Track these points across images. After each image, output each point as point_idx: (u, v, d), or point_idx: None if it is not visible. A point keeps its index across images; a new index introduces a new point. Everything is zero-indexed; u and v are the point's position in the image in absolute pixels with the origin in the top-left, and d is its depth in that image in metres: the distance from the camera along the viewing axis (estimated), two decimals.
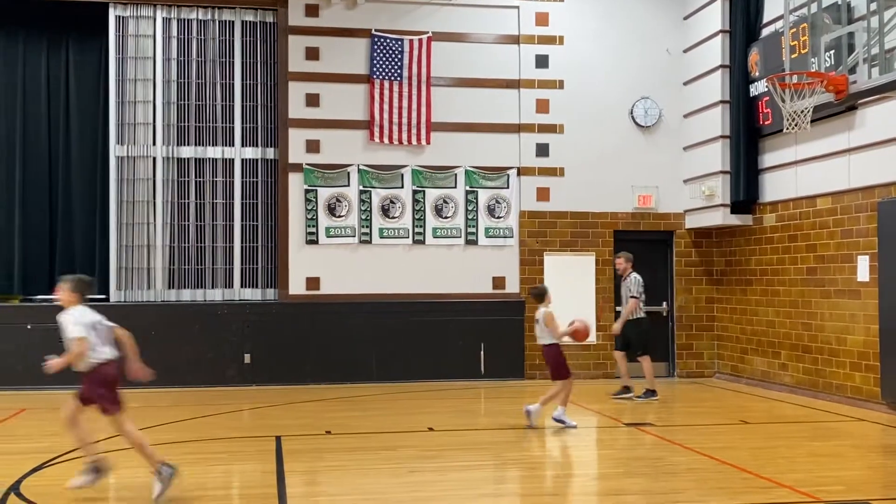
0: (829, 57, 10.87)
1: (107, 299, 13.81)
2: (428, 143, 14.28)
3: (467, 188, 14.41)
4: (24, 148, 14.26)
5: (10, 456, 8.32)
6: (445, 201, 14.36)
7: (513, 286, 14.42)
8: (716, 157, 13.89)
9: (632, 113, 14.75)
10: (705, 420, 10.66)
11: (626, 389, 12.22)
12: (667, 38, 14.84)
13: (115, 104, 13.95)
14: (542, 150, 14.52)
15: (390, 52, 14.16)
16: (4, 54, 14.22)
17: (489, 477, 7.90)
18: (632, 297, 12.12)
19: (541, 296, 10.17)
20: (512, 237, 14.49)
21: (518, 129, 14.52)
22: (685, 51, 14.77)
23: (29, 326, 13.16)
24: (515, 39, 14.56)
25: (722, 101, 13.82)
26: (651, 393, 12.13)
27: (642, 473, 7.62)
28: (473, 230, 14.42)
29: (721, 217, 13.85)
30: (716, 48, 13.94)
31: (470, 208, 14.41)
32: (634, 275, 12.30)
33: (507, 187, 14.50)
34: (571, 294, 14.08)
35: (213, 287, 14.18)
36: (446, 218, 14.36)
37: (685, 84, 14.77)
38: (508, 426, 10.08)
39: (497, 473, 8.08)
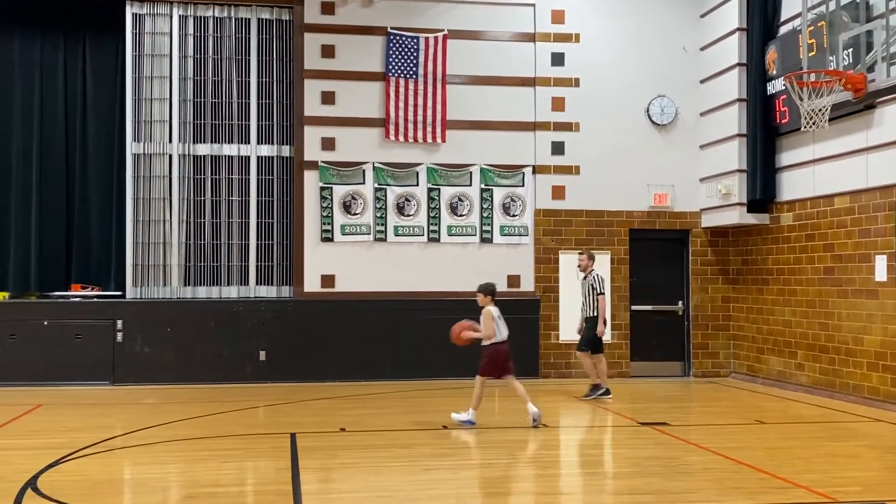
0: (847, 55, 10.80)
1: (123, 296, 13.89)
2: (443, 140, 14.27)
3: (482, 186, 14.40)
4: (41, 146, 14.33)
5: (27, 451, 8.36)
6: (460, 199, 14.35)
7: (528, 284, 14.40)
8: (732, 155, 13.82)
9: (648, 111, 14.70)
10: (721, 420, 10.61)
11: (598, 388, 12.04)
12: (683, 35, 14.78)
13: (131, 101, 14.02)
14: (558, 148, 14.49)
15: (406, 49, 14.16)
16: (21, 53, 14.29)
17: (503, 476, 7.88)
18: (600, 294, 11.98)
19: (493, 292, 10.07)
20: (527, 235, 14.47)
21: (533, 127, 14.49)
22: (702, 49, 14.70)
23: (45, 322, 13.25)
24: (531, 37, 14.53)
25: (739, 100, 13.75)
26: (597, 388, 11.98)
27: (657, 473, 7.59)
28: (488, 228, 14.41)
29: (738, 216, 13.78)
30: (733, 46, 13.87)
31: (485, 206, 14.40)
32: (596, 272, 12.20)
33: (523, 185, 14.48)
34: None
35: (228, 284, 14.23)
36: (461, 216, 14.36)
37: (702, 82, 14.70)
38: (522, 425, 10.06)
39: (511, 472, 8.07)
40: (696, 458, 8.23)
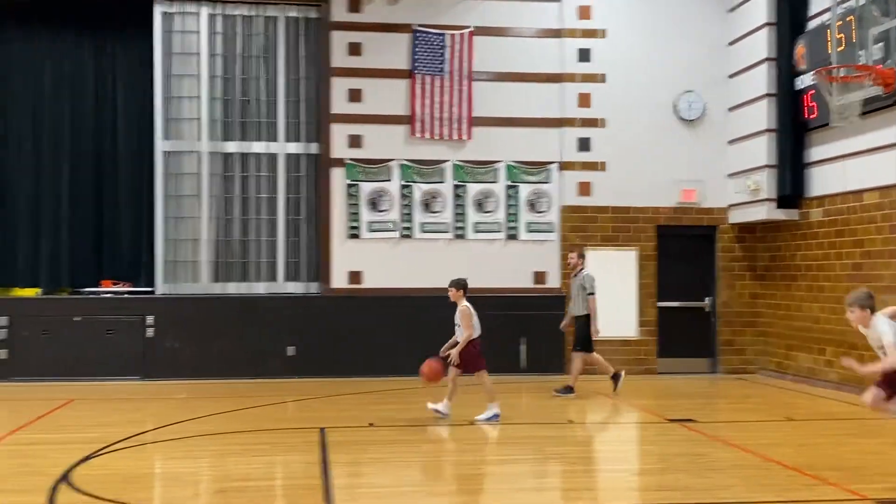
0: (878, 50, 10.69)
1: (153, 292, 14.04)
2: (469, 137, 14.30)
3: (509, 183, 14.41)
4: (72, 144, 14.49)
5: (61, 445, 8.49)
6: (487, 196, 14.37)
7: (554, 281, 14.40)
8: (761, 151, 13.73)
9: (675, 107, 14.64)
10: (749, 416, 10.57)
11: (569, 389, 11.94)
12: (711, 30, 14.69)
13: (160, 100, 14.15)
14: (584, 144, 14.47)
15: (432, 46, 14.19)
16: (52, 52, 14.45)
17: (530, 471, 7.91)
18: (590, 294, 11.90)
19: (465, 287, 10.10)
20: (553, 232, 14.47)
21: (560, 123, 14.48)
22: (730, 44, 14.61)
23: (77, 318, 13.42)
24: (557, 33, 14.52)
25: (767, 95, 13.66)
26: (569, 390, 11.87)
27: (685, 469, 7.58)
28: (514, 225, 14.42)
29: (766, 212, 13.69)
30: (761, 41, 13.77)
31: (511, 203, 14.41)
32: (587, 272, 12.13)
33: (549, 182, 14.47)
34: (613, 290, 14.03)
35: (257, 280, 14.35)
36: (487, 212, 14.38)
37: (730, 77, 14.61)
38: (549, 421, 10.08)
39: (538, 468, 8.09)
40: (725, 455, 8.21)
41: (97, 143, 14.62)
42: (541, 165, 14.47)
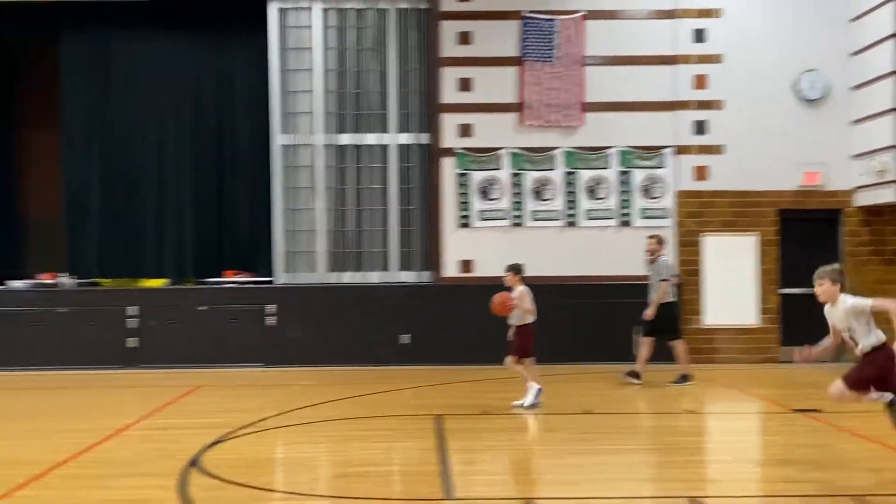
0: None
1: (271, 282, 14.46)
2: (581, 123, 14.15)
3: (621, 168, 14.20)
4: (194, 140, 15.05)
5: (189, 430, 8.82)
6: (599, 182, 14.20)
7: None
8: (887, 131, 13.11)
9: (796, 86, 14.11)
10: (878, 406, 10.12)
11: (636, 375, 11.67)
12: (831, 6, 14.09)
13: (278, 95, 14.51)
14: (701, 127, 14.11)
15: (542, 33, 14.09)
16: (174, 53, 15.01)
17: (647, 461, 7.80)
18: (662, 280, 11.61)
19: (522, 272, 10.22)
20: (668, 218, 14.19)
21: (674, 106, 14.17)
22: (852, 20, 13.98)
23: (202, 308, 13.94)
24: (671, 14, 14.19)
25: (893, 72, 13.02)
26: (685, 378, 11.58)
27: (811, 461, 7.34)
28: (627, 211, 14.21)
29: (893, 194, 13.08)
30: (887, 16, 13.12)
31: (624, 189, 14.20)
32: (665, 258, 11.86)
33: (663, 167, 14.19)
34: (731, 276, 13.70)
35: (371, 270, 14.58)
36: (599, 199, 14.21)
37: (853, 55, 13.99)
38: (666, 410, 9.91)
39: (656, 458, 7.97)
40: (852, 447, 7.92)
41: (217, 139, 15.13)
42: (654, 150, 14.20)
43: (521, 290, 10.07)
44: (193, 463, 7.30)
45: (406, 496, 6.62)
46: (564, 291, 13.77)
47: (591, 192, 14.21)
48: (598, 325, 13.85)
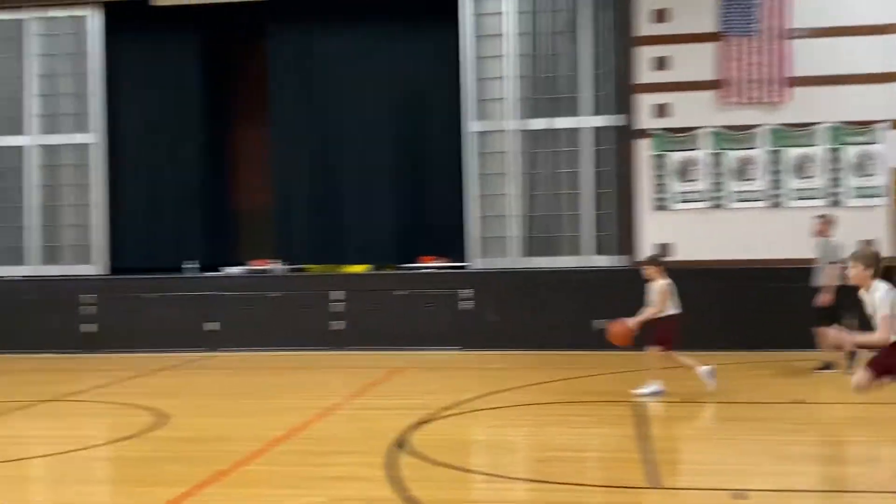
0: None
1: (465, 267, 14.70)
2: (786, 99, 13.47)
3: (830, 145, 13.41)
4: (390, 131, 15.45)
5: (392, 411, 9.14)
6: (806, 160, 13.48)
7: (884, 250, 13.20)
8: None
9: None
10: None
11: (828, 366, 10.80)
12: None
13: (471, 82, 14.67)
14: None
15: (743, 6, 13.49)
16: (368, 46, 15.41)
17: (878, 455, 7.33)
18: (831, 262, 10.71)
19: (662, 263, 9.72)
20: (882, 196, 13.28)
21: (889, 78, 13.21)
22: None
23: (401, 293, 14.36)
24: None
25: None
26: (828, 366, 10.84)
27: None
28: (836, 190, 13.41)
29: None
30: None
31: (833, 167, 13.41)
32: (834, 238, 11.12)
33: (877, 142, 13.29)
34: None
35: (564, 254, 14.52)
36: (807, 178, 13.49)
37: None
38: (884, 401, 9.30)
39: (880, 452, 7.47)
40: None
41: (412, 129, 15.47)
42: (867, 125, 13.31)
43: (661, 285, 9.65)
44: (400, 443, 7.55)
45: (608, 483, 6.58)
46: (769, 275, 13.16)
47: (798, 170, 13.51)
48: (808, 310, 13.15)
